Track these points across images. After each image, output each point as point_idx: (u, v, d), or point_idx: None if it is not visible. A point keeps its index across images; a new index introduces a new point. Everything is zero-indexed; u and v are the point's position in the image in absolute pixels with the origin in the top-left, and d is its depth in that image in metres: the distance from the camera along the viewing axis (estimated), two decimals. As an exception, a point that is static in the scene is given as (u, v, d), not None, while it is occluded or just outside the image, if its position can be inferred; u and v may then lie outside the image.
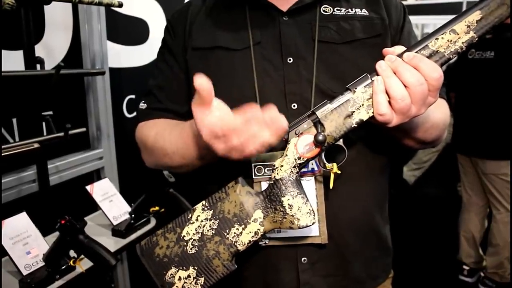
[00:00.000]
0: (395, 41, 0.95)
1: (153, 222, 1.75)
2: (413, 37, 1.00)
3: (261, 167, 0.86)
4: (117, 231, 1.62)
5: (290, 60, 0.91)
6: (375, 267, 1.00)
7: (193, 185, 1.03)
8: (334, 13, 0.94)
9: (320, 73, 0.90)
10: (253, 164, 0.86)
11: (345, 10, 0.95)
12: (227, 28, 0.96)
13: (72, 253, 1.33)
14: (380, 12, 0.96)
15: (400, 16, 0.99)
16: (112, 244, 1.56)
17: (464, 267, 3.03)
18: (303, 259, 0.92)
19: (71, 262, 1.33)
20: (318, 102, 0.87)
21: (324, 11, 0.94)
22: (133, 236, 1.63)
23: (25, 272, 1.28)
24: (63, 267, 1.31)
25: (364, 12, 0.95)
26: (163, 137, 0.93)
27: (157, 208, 1.75)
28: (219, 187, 0.83)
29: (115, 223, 1.65)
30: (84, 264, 1.34)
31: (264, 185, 0.86)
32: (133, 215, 1.67)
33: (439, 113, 0.92)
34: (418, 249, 3.35)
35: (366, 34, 0.93)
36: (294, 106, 0.89)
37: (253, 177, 0.86)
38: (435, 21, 5.61)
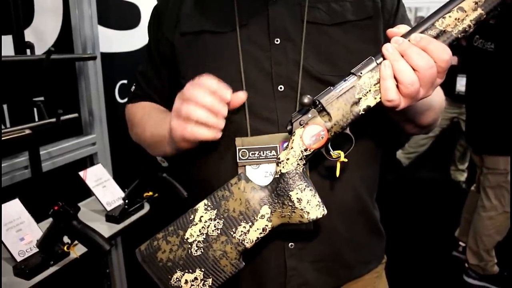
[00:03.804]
0: (389, 25, 0.92)
1: (147, 207, 1.75)
2: (407, 20, 0.98)
3: (246, 150, 0.84)
4: (111, 217, 1.62)
5: (277, 41, 0.88)
6: (366, 253, 0.99)
7: (181, 171, 1.04)
8: None
9: (309, 55, 0.87)
10: (237, 148, 0.84)
11: None
12: (214, 11, 0.94)
13: (66, 239, 1.33)
14: None
15: None
16: (106, 229, 1.56)
17: (460, 243, 3.09)
18: (290, 244, 0.89)
19: (65, 248, 1.33)
20: (305, 85, 0.86)
21: None
22: (127, 222, 1.63)
23: (19, 259, 1.29)
24: (57, 253, 1.32)
25: None
26: (147, 119, 1.00)
27: (150, 193, 1.75)
28: (206, 173, 0.80)
29: (108, 208, 1.65)
30: (78, 250, 1.34)
31: (249, 169, 0.84)
32: (126, 201, 1.67)
33: (437, 96, 0.90)
34: (411, 232, 3.39)
35: (356, 16, 0.90)
36: (281, 88, 0.87)
37: (238, 161, 0.84)
38: (428, 4, 5.59)
